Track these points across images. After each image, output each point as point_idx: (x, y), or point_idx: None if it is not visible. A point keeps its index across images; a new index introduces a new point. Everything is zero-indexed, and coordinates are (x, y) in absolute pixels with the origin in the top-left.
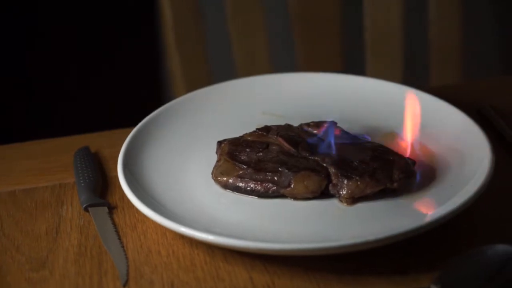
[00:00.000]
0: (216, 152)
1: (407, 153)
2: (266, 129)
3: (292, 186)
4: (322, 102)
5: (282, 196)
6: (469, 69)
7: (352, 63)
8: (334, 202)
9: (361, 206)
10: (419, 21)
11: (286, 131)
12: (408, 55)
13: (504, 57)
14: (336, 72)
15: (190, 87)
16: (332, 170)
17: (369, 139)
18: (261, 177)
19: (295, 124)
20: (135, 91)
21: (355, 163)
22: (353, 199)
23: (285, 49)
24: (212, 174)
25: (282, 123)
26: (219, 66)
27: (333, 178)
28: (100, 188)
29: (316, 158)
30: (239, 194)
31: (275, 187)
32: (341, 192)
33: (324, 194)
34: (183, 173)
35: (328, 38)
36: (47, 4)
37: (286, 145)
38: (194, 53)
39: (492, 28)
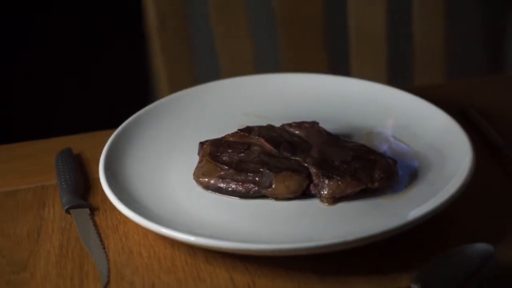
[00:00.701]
0: (198, 153)
1: (389, 152)
2: (248, 130)
3: (273, 186)
4: (305, 102)
5: (264, 196)
6: (453, 70)
7: (337, 64)
8: (316, 202)
9: (342, 206)
10: (403, 22)
11: (267, 132)
12: (392, 56)
13: (488, 57)
14: (320, 73)
15: (174, 88)
16: (313, 170)
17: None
18: (243, 177)
19: (277, 124)
20: (119, 92)
21: (336, 163)
22: (334, 199)
23: (269, 50)
24: (194, 175)
25: (265, 124)
26: (203, 67)
27: (314, 178)
28: (82, 190)
29: (297, 158)
30: (221, 194)
31: (256, 188)
32: (322, 192)
33: (305, 194)
34: (165, 174)
35: (312, 40)
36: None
37: (267, 146)
38: (178, 55)
39: (477, 28)
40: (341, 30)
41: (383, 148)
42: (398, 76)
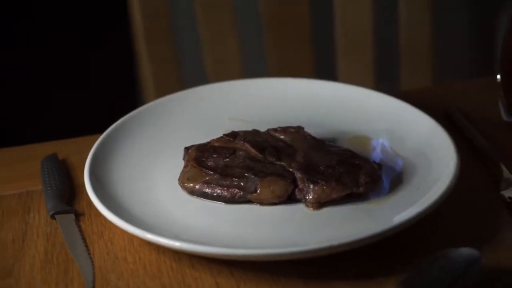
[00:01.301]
0: (183, 158)
1: (374, 157)
2: (233, 134)
3: (258, 191)
4: (290, 107)
5: (249, 201)
6: (440, 73)
7: (324, 67)
8: (301, 207)
9: (327, 210)
10: (389, 25)
11: (253, 137)
12: (379, 59)
13: (474, 60)
14: (307, 77)
15: (161, 93)
16: (298, 175)
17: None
18: (228, 182)
19: (263, 129)
20: (105, 97)
21: (321, 167)
22: (319, 204)
23: (256, 54)
24: (179, 180)
25: (250, 128)
26: (190, 71)
27: (299, 183)
28: (67, 196)
29: (283, 163)
30: (206, 200)
31: (241, 193)
32: (307, 197)
33: (290, 199)
34: (150, 180)
35: (299, 42)
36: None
37: (252, 151)
38: (165, 59)
39: (463, 32)
40: (327, 33)
41: (368, 152)
42: (385, 79)
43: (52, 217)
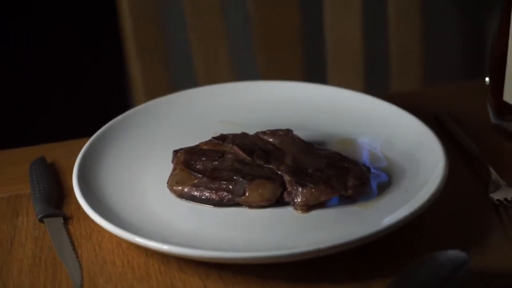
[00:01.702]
0: (172, 161)
1: (362, 160)
2: (222, 137)
3: (247, 194)
4: (279, 110)
5: (238, 204)
6: (430, 76)
7: (314, 71)
8: (289, 210)
9: (316, 213)
10: (379, 28)
11: (241, 140)
12: (369, 63)
13: (463, 64)
14: (296, 80)
15: (151, 96)
16: (286, 178)
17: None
18: (216, 186)
19: (252, 132)
20: (95, 100)
21: (309, 170)
22: (308, 207)
23: (246, 57)
24: (167, 183)
25: (239, 131)
26: (180, 75)
27: (288, 186)
28: (56, 199)
29: (271, 166)
30: (195, 203)
31: (230, 196)
32: (296, 200)
33: (279, 202)
34: (138, 183)
35: (289, 47)
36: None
37: (241, 154)
38: (154, 62)
39: (452, 35)
40: (317, 36)
41: (357, 155)
42: (375, 83)
43: (41, 220)
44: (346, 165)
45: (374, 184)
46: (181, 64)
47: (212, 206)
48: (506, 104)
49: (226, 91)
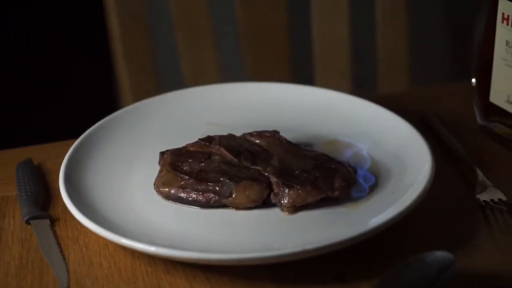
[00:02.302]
0: (159, 163)
1: (349, 161)
2: (209, 139)
3: (233, 196)
4: (266, 111)
5: (224, 206)
6: (417, 78)
7: (301, 73)
8: (276, 211)
9: (302, 215)
10: (366, 30)
11: (228, 141)
12: (356, 65)
13: (450, 65)
14: (283, 82)
15: (138, 97)
16: (273, 179)
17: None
18: (203, 187)
19: (238, 133)
20: (82, 102)
21: (296, 172)
22: (294, 208)
23: (233, 58)
24: (154, 185)
25: (226, 133)
26: (167, 76)
27: (274, 187)
28: (43, 201)
29: (258, 167)
30: (181, 204)
31: (217, 197)
32: (282, 201)
33: (266, 203)
34: (125, 184)
35: (276, 49)
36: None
37: (227, 155)
38: (142, 64)
39: (439, 36)
40: (304, 38)
41: (344, 156)
42: (362, 84)
43: (27, 222)
44: (333, 166)
45: (360, 185)
46: (168, 65)
47: (199, 208)
48: (493, 105)
49: (213, 92)
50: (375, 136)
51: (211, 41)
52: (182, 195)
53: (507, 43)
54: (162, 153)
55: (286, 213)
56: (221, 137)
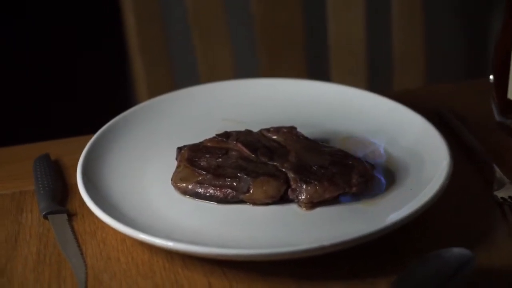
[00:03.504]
0: (176, 159)
1: (366, 157)
2: (226, 135)
3: (251, 191)
4: (283, 107)
5: (241, 201)
6: (433, 74)
7: (316, 69)
8: (293, 207)
9: (320, 211)
10: (382, 26)
11: (245, 137)
12: (372, 61)
13: (466, 62)
14: (299, 78)
15: (153, 93)
16: (291, 175)
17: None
18: (220, 183)
19: (255, 129)
20: (98, 97)
21: (314, 168)
22: (312, 204)
23: (248, 55)
24: (171, 180)
25: (243, 129)
26: (182, 72)
27: (292, 183)
28: (60, 196)
29: (275, 163)
30: (199, 200)
31: (234, 193)
32: (300, 197)
33: (283, 199)
34: (142, 180)
35: (292, 45)
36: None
37: (245, 151)
38: (157, 60)
39: (455, 33)
40: (320, 34)
41: (361, 152)
42: (378, 81)
43: (45, 217)
44: (350, 162)
45: (378, 182)
46: (184, 61)
47: (216, 203)
48: (510, 102)
49: (229, 88)
50: (392, 132)
51: (226, 37)
52: (200, 190)
53: None
54: (179, 149)
55: (304, 209)
56: (238, 132)
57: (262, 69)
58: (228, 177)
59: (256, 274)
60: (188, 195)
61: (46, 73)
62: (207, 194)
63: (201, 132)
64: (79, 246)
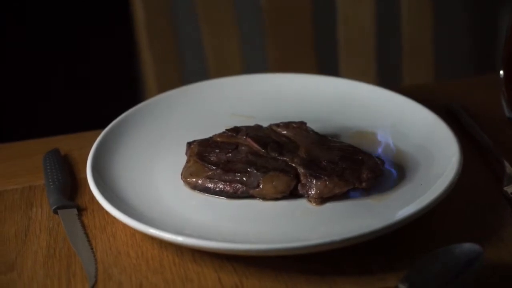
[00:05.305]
0: (186, 153)
1: (376, 152)
2: (236, 130)
3: (261, 186)
4: (292, 102)
5: (251, 196)
6: (442, 70)
7: (326, 64)
8: (303, 202)
9: (330, 206)
10: (392, 21)
11: (255, 132)
12: (381, 56)
13: (476, 57)
14: (308, 73)
15: (162, 88)
16: (300, 170)
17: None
18: (230, 177)
19: (265, 124)
20: (107, 92)
21: (323, 163)
22: (321, 199)
23: (257, 49)
24: (181, 175)
25: (252, 124)
26: (191, 66)
27: (301, 178)
28: (70, 190)
29: (285, 158)
30: (208, 195)
31: (244, 188)
32: (310, 192)
33: (293, 194)
34: (152, 174)
35: (301, 39)
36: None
37: (255, 146)
38: (166, 54)
39: (465, 29)
40: (329, 28)
41: (371, 148)
42: (387, 76)
43: (55, 211)
44: (360, 157)
45: (388, 177)
46: (193, 57)
47: (226, 198)
48: None
49: (238, 83)
50: (402, 127)
51: (235, 31)
52: (209, 185)
53: None
54: (189, 144)
55: (313, 204)
56: (248, 127)
57: (272, 64)
58: (238, 172)
59: (265, 269)
60: (197, 190)
61: (56, 69)
62: (217, 189)
63: (210, 127)
64: (88, 240)
